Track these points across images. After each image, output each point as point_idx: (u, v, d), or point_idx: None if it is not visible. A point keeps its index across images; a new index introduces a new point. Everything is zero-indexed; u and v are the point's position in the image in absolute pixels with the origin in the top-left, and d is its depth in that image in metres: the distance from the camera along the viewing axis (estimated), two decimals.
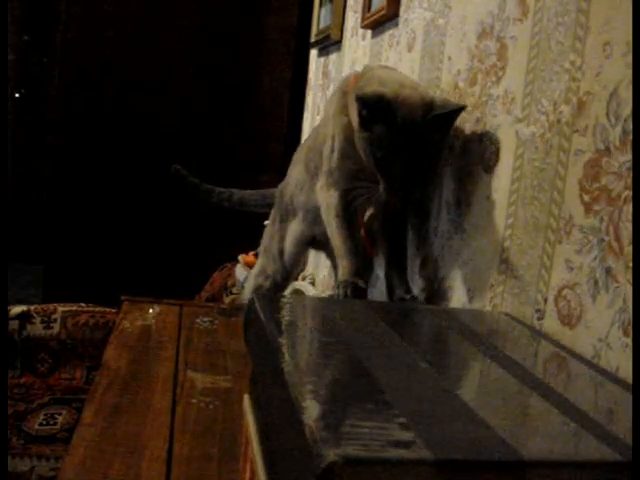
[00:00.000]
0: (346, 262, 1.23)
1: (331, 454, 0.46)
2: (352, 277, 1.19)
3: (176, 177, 1.78)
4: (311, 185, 1.42)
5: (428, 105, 1.11)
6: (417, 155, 1.10)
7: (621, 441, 0.53)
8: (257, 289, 1.56)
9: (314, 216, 1.42)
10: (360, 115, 1.13)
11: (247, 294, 1.64)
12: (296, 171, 1.54)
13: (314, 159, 1.41)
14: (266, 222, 2.17)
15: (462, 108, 1.13)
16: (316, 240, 1.48)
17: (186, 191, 1.79)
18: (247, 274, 2.03)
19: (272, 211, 1.65)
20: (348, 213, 1.28)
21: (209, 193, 1.82)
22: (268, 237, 1.62)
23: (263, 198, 1.80)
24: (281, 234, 1.55)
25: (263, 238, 1.66)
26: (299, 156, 1.56)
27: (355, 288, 1.17)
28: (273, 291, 1.53)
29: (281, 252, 1.53)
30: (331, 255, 1.58)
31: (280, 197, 1.59)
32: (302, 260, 1.60)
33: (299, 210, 1.49)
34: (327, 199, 1.30)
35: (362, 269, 1.24)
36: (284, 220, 1.55)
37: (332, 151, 1.29)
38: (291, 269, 1.55)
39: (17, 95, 4.65)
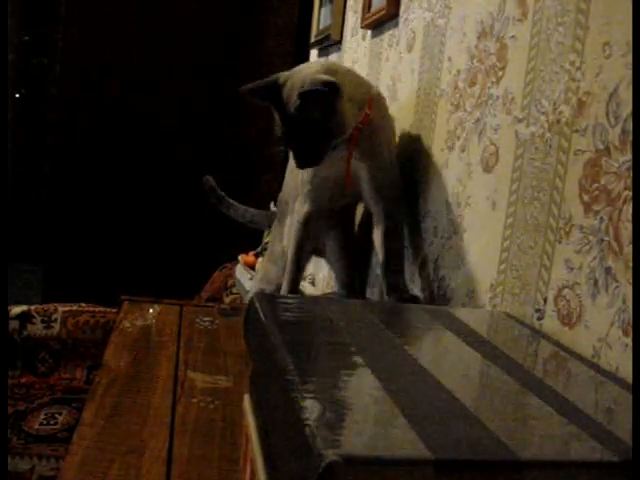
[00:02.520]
0: (288, 279, 1.38)
1: (332, 454, 0.46)
2: (289, 290, 1.36)
3: (205, 187, 1.84)
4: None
5: (302, 85, 1.19)
6: (300, 133, 1.21)
7: (620, 441, 0.53)
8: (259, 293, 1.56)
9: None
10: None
11: None
12: (289, 171, 1.56)
13: None
14: None
15: (326, 86, 1.16)
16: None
17: (209, 201, 1.86)
18: (247, 274, 2.03)
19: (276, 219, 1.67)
20: (311, 227, 1.39)
21: (228, 207, 1.89)
22: (271, 243, 1.64)
23: (269, 219, 1.84)
24: (280, 236, 1.55)
25: (268, 244, 1.69)
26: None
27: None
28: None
29: (282, 254, 1.54)
30: (330, 260, 1.59)
31: (279, 203, 1.62)
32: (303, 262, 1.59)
33: (290, 201, 1.51)
34: (298, 208, 1.40)
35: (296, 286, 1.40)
36: (282, 222, 1.56)
37: None
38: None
39: (17, 95, 4.65)
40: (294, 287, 1.38)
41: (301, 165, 1.25)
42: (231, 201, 1.91)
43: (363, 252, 1.58)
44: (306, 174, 1.37)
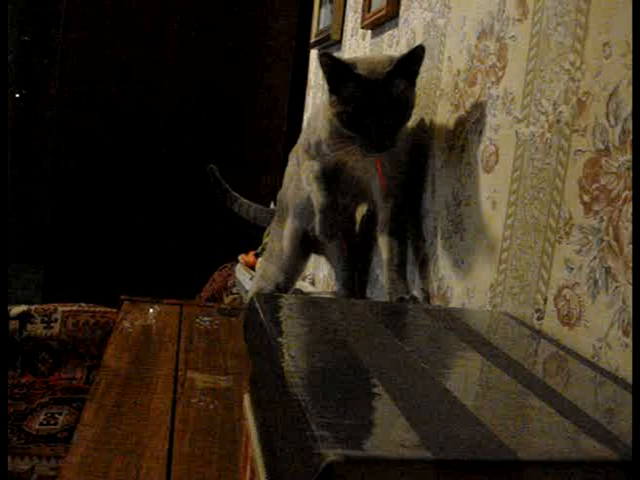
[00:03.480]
0: (322, 216, 1.27)
1: (331, 454, 0.46)
2: (326, 230, 1.27)
3: (209, 177, 1.81)
4: (300, 176, 1.44)
5: (390, 59, 1.20)
6: (385, 106, 1.17)
7: (620, 441, 0.53)
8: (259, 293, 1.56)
9: (303, 208, 1.45)
10: (326, 78, 1.21)
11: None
12: (289, 168, 1.56)
13: (305, 147, 1.42)
14: None
15: (421, 49, 1.18)
16: (309, 236, 1.49)
17: (214, 192, 1.83)
18: (247, 274, 2.03)
19: (275, 218, 1.67)
20: (328, 177, 1.32)
21: (233, 201, 1.88)
22: (270, 242, 1.64)
23: (272, 217, 1.83)
24: (279, 236, 1.56)
25: (268, 243, 1.68)
26: (292, 155, 1.58)
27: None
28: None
29: (281, 254, 1.54)
30: (331, 261, 1.59)
31: (279, 201, 1.61)
32: (301, 262, 1.59)
33: (290, 205, 1.50)
34: (308, 167, 1.34)
35: (334, 224, 1.29)
36: (281, 222, 1.56)
37: (319, 130, 1.32)
38: (290, 270, 1.54)
39: (17, 95, 4.65)
40: (331, 230, 1.29)
41: (376, 147, 1.18)
42: (235, 195, 1.89)
43: (364, 252, 1.58)
44: (318, 136, 1.31)
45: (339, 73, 1.19)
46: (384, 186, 1.30)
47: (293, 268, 1.55)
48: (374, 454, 0.48)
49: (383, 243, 1.32)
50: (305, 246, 1.53)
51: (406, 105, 1.20)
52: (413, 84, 1.21)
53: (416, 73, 1.21)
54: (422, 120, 1.45)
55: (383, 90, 1.16)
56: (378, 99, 1.16)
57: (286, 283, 1.54)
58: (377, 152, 1.19)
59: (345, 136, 1.22)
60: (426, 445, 0.48)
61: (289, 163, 1.59)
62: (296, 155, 1.53)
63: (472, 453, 0.49)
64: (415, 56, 1.19)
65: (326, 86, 1.23)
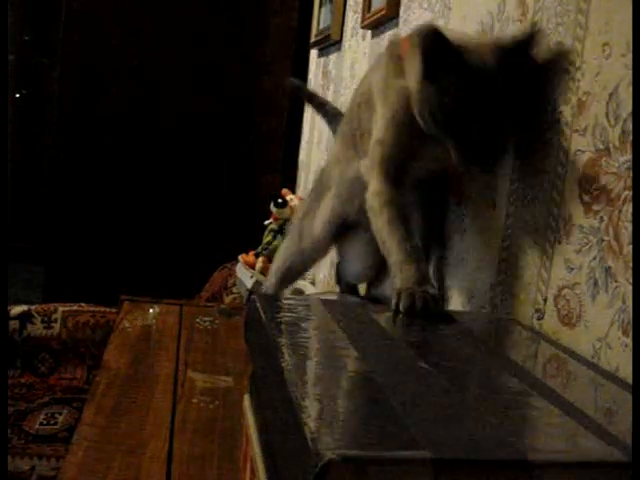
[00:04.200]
0: (408, 267, 0.94)
1: (330, 453, 0.46)
2: (419, 285, 0.91)
3: (292, 89, 1.78)
4: (349, 155, 1.25)
5: (501, 46, 0.93)
6: (496, 107, 0.90)
7: (621, 441, 0.53)
8: (277, 271, 1.43)
9: (349, 191, 1.23)
10: (424, 60, 0.94)
11: (271, 276, 1.48)
12: (334, 147, 1.39)
13: (352, 128, 1.25)
14: (266, 222, 2.17)
15: (538, 33, 0.94)
16: (347, 224, 1.29)
17: (301, 98, 1.78)
18: (248, 274, 2.03)
19: (310, 191, 1.49)
20: (402, 203, 1.03)
21: (318, 105, 1.70)
22: (298, 219, 1.45)
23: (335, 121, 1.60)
24: (312, 214, 1.37)
25: (291, 222, 1.55)
26: (338, 133, 1.39)
27: (426, 298, 0.88)
28: (291, 275, 1.44)
29: (309, 232, 1.37)
30: (347, 258, 1.49)
31: (318, 178, 1.44)
32: (327, 246, 1.38)
33: (333, 184, 1.31)
34: (375, 185, 1.06)
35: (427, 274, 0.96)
36: (317, 200, 1.37)
37: (383, 119, 1.08)
38: (314, 251, 1.38)
39: (17, 95, 4.65)
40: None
41: (478, 159, 0.93)
42: (323, 101, 1.72)
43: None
44: (384, 131, 1.06)
45: (442, 58, 0.92)
46: (458, 195, 1.06)
47: (316, 251, 1.37)
48: (372, 453, 0.48)
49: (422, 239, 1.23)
50: (337, 230, 1.32)
51: (522, 106, 0.95)
52: (527, 79, 0.95)
53: (528, 65, 0.94)
54: None
55: (494, 87, 0.90)
56: (488, 99, 0.90)
57: (304, 265, 1.41)
58: (478, 167, 0.95)
59: (421, 139, 0.99)
60: (425, 445, 0.48)
61: (334, 143, 1.40)
62: (340, 132, 1.33)
63: (472, 453, 0.49)
64: (533, 42, 0.93)
65: (420, 69, 0.96)
